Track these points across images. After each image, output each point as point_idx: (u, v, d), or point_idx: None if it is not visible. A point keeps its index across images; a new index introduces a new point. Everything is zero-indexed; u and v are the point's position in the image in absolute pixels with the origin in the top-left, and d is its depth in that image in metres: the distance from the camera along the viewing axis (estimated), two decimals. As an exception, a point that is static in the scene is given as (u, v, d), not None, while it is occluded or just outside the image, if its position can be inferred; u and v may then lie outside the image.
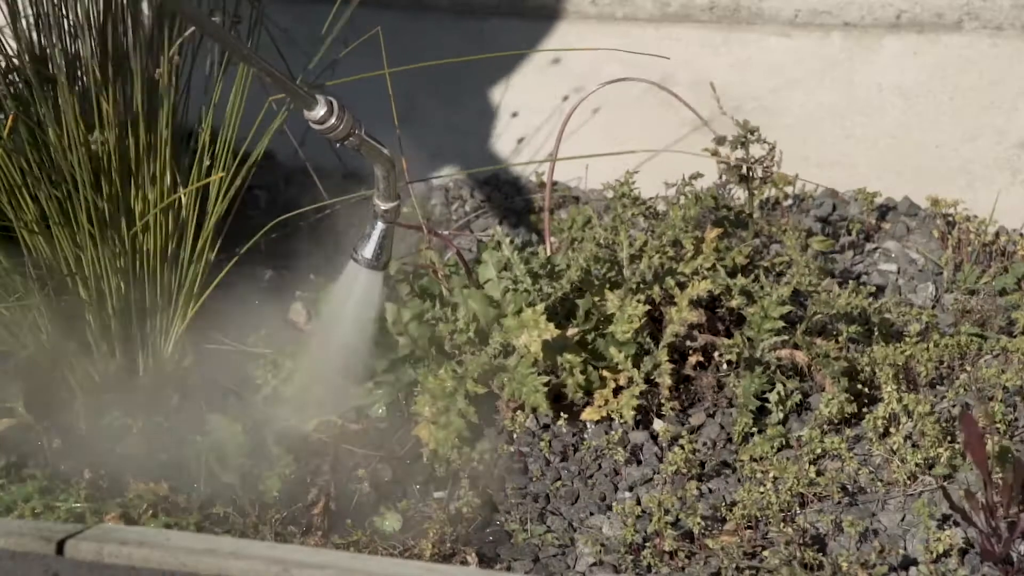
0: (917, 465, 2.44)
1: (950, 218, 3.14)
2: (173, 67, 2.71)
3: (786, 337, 2.64)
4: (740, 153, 3.06)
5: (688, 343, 2.68)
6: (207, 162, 2.78)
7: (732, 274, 2.78)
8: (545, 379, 2.57)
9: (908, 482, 2.44)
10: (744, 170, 3.03)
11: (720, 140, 3.06)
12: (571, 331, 2.63)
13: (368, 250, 2.56)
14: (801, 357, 2.63)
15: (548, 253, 2.84)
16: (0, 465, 2.58)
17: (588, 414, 2.60)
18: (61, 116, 2.64)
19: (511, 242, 2.73)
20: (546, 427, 2.62)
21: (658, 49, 3.43)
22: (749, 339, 2.63)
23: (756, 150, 3.07)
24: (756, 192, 3.05)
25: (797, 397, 2.60)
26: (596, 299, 2.69)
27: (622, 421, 2.57)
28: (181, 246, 2.80)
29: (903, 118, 3.32)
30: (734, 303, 2.70)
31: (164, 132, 2.72)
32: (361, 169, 3.17)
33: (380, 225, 2.56)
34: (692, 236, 2.80)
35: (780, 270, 2.90)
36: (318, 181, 3.00)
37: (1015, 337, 2.73)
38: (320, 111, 2.39)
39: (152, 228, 2.75)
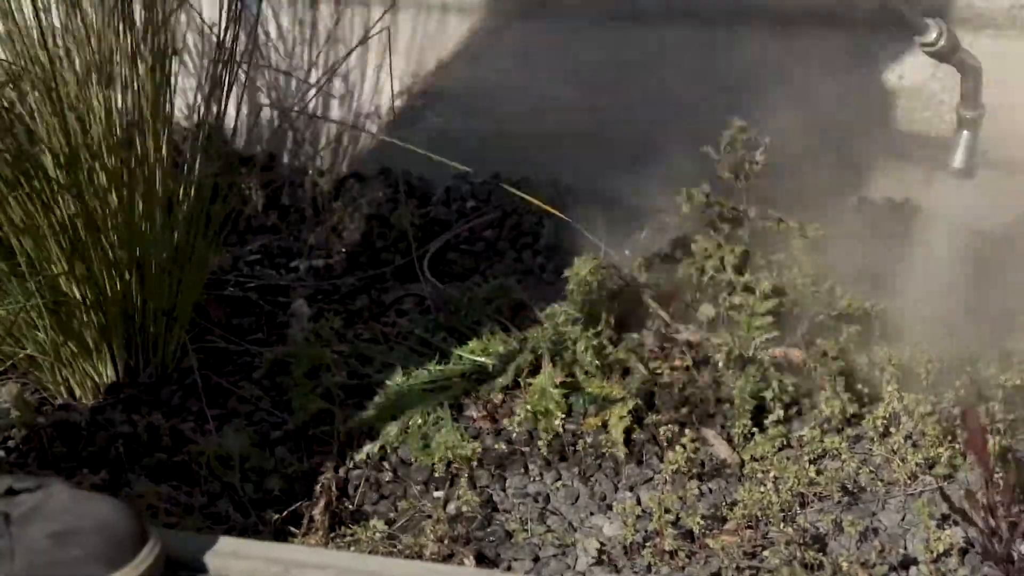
0: (918, 465, 2.44)
1: (950, 218, 3.14)
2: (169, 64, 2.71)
3: (777, 333, 2.64)
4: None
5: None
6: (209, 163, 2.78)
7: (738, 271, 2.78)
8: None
9: (908, 482, 2.44)
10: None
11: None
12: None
13: (956, 159, 2.69)
14: (796, 355, 2.63)
15: None
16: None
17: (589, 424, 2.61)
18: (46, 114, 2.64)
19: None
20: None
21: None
22: (740, 338, 2.63)
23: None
24: (750, 189, 3.02)
25: (795, 395, 2.59)
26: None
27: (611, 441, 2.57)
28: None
29: (903, 118, 3.32)
30: (737, 300, 2.70)
31: (161, 132, 2.72)
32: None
33: (965, 133, 2.69)
34: None
35: (779, 265, 2.87)
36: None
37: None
38: (932, 35, 2.57)
39: (153, 227, 2.75)
